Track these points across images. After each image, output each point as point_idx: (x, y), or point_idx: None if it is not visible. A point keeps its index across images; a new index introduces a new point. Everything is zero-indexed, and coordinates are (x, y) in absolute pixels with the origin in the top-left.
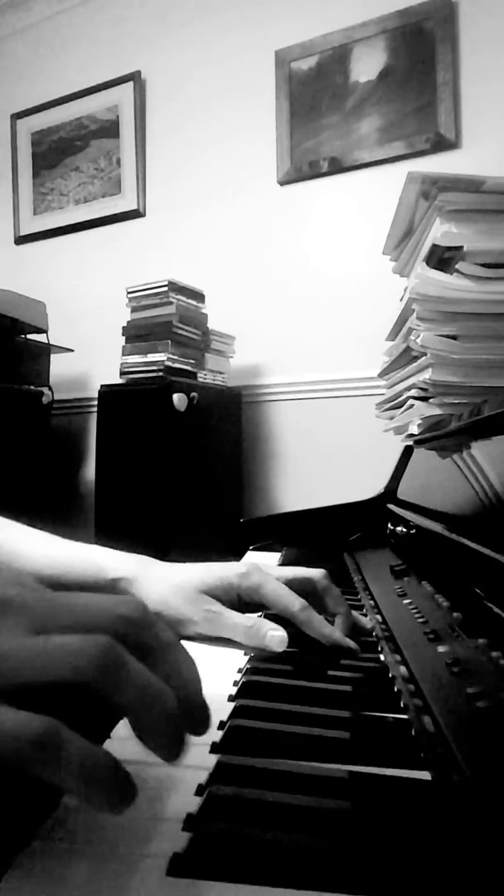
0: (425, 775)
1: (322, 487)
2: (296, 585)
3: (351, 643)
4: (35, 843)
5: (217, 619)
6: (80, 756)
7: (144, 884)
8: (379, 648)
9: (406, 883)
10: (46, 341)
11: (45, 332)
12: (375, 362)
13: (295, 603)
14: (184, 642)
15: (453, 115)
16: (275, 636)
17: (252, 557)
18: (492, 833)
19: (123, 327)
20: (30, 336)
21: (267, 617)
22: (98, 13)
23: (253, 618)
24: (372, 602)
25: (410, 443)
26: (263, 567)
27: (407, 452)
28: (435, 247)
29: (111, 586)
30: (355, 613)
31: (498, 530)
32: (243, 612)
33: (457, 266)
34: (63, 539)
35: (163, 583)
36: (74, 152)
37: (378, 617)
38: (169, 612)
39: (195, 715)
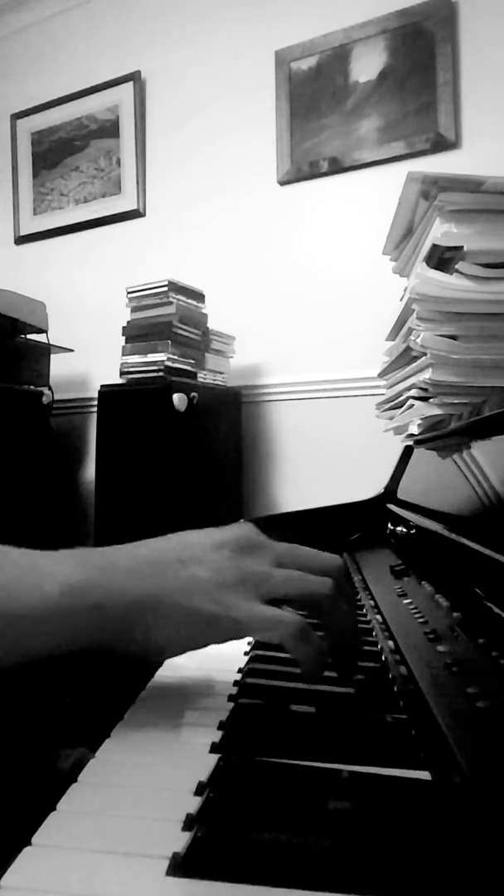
0: (425, 775)
1: (322, 487)
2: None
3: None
4: (35, 841)
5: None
6: (319, 643)
7: (144, 884)
8: (379, 648)
9: (406, 883)
10: (46, 341)
11: (45, 332)
12: (375, 362)
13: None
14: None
15: (453, 116)
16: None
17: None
18: (492, 833)
19: (123, 327)
20: (30, 336)
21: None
22: (98, 13)
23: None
24: (372, 602)
25: (410, 443)
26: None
27: (407, 452)
28: (435, 247)
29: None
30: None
31: (498, 530)
32: None
33: (457, 266)
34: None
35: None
36: (74, 152)
37: (378, 617)
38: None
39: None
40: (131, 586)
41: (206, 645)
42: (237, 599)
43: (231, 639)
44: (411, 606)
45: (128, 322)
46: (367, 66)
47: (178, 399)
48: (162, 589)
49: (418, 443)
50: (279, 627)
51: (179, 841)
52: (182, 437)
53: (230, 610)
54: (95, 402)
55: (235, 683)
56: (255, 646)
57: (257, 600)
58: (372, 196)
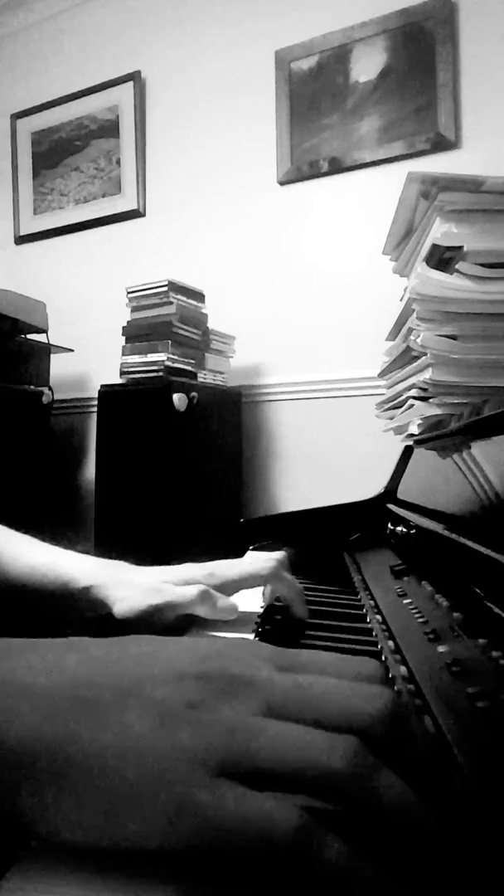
0: None
1: (322, 487)
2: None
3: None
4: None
5: (167, 592)
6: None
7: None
8: (379, 648)
9: (406, 883)
10: (46, 341)
11: (45, 332)
12: (375, 362)
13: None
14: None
15: (453, 115)
16: (224, 605)
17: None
18: (492, 833)
19: (123, 327)
20: (30, 336)
21: (272, 607)
22: (98, 13)
23: (200, 586)
24: (372, 602)
25: (410, 443)
26: (228, 562)
27: (407, 452)
28: (435, 247)
29: (82, 594)
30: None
31: (498, 530)
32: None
33: (457, 266)
34: (41, 544)
35: (131, 586)
36: (74, 152)
37: (378, 617)
38: (130, 609)
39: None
40: (31, 727)
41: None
42: (201, 783)
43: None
44: (411, 606)
45: (128, 322)
46: (367, 66)
47: (178, 399)
48: (77, 741)
49: (418, 443)
50: (258, 838)
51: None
52: (182, 437)
53: (184, 803)
54: (95, 402)
55: None
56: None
57: (231, 783)
58: (372, 196)
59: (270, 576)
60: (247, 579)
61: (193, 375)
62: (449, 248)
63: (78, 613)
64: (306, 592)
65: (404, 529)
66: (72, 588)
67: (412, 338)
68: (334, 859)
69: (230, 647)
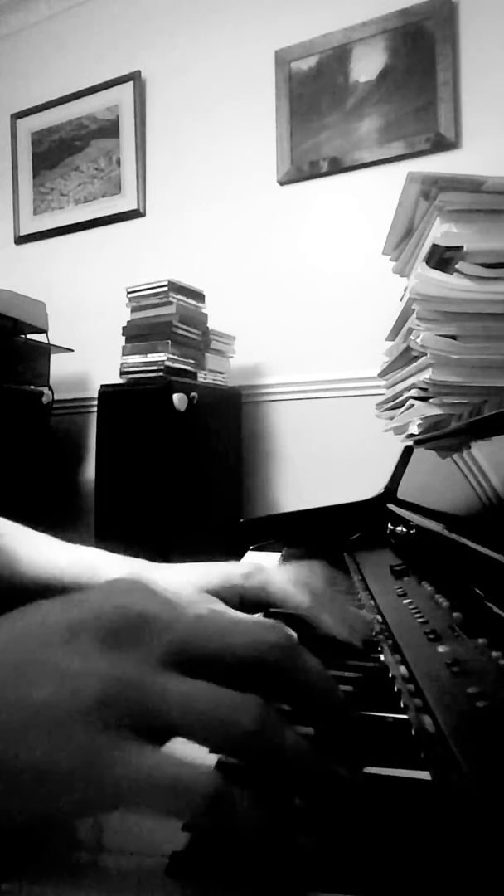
0: (425, 775)
1: (322, 487)
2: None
3: (357, 641)
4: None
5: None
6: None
7: (143, 883)
8: (379, 648)
9: (406, 883)
10: (46, 341)
11: (45, 332)
12: (375, 362)
13: (304, 600)
14: None
15: (453, 115)
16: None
17: (252, 557)
18: (491, 833)
19: (123, 327)
20: (30, 336)
21: (271, 616)
22: (98, 13)
23: (258, 618)
24: (372, 602)
25: (410, 443)
26: (264, 567)
27: (407, 452)
28: (435, 247)
29: None
30: (354, 609)
31: (498, 530)
32: (245, 612)
33: (457, 266)
34: (62, 542)
35: (163, 585)
36: (74, 152)
37: (378, 617)
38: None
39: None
40: None
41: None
42: (102, 740)
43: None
44: (411, 606)
45: (128, 322)
46: (367, 66)
47: (178, 399)
48: None
49: (418, 443)
50: (182, 799)
51: (178, 840)
52: (182, 437)
53: (91, 766)
54: (95, 402)
55: None
56: None
57: (134, 737)
58: (372, 196)
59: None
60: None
61: (193, 375)
62: (449, 248)
63: None
64: None
65: (404, 529)
66: (94, 583)
67: (412, 338)
68: (253, 822)
69: (117, 587)
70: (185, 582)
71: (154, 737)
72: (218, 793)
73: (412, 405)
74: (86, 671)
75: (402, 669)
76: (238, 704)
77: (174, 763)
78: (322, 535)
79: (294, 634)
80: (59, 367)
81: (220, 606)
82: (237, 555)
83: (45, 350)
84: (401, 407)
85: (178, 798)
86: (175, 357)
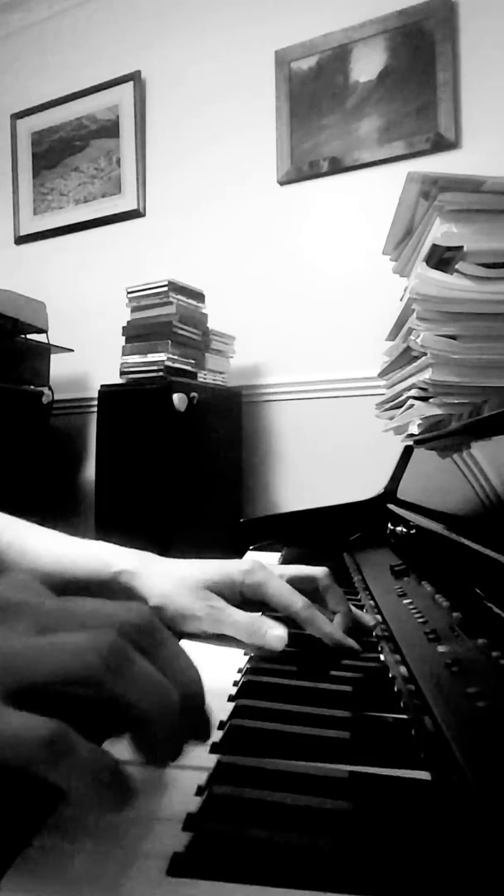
0: (425, 775)
1: (322, 487)
2: (297, 583)
3: (352, 643)
4: (35, 842)
5: (219, 615)
6: (86, 759)
7: (144, 883)
8: (379, 648)
9: (406, 883)
10: (46, 341)
11: (45, 332)
12: (375, 362)
13: (297, 602)
14: (185, 642)
15: (453, 115)
16: (275, 635)
17: (252, 557)
18: (491, 833)
19: (123, 327)
20: (30, 336)
21: (268, 615)
22: (98, 13)
23: (254, 616)
24: (372, 602)
25: (410, 443)
26: (266, 565)
27: (407, 452)
28: (435, 247)
29: (114, 579)
30: (357, 611)
31: (498, 530)
32: (245, 609)
33: (457, 266)
34: (68, 536)
35: (166, 577)
36: (74, 152)
37: (378, 617)
38: (172, 607)
39: (196, 719)
40: None
41: None
42: None
43: None
44: (411, 606)
45: (128, 322)
46: (367, 66)
47: (178, 399)
48: None
49: (418, 443)
50: (17, 748)
51: (179, 841)
52: (182, 437)
53: None
54: (95, 402)
55: (235, 684)
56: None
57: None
58: (372, 196)
59: (324, 577)
60: (294, 579)
61: (193, 375)
62: (449, 248)
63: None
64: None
65: (404, 529)
66: (101, 573)
67: (412, 338)
68: (85, 758)
69: (6, 581)
70: (186, 575)
71: (21, 701)
72: (54, 736)
73: (412, 405)
74: None
75: (402, 669)
76: (86, 643)
77: (14, 721)
78: (322, 535)
79: (152, 613)
80: (59, 367)
81: (220, 603)
82: (237, 555)
83: (45, 350)
84: (401, 407)
85: (15, 754)
86: (175, 357)
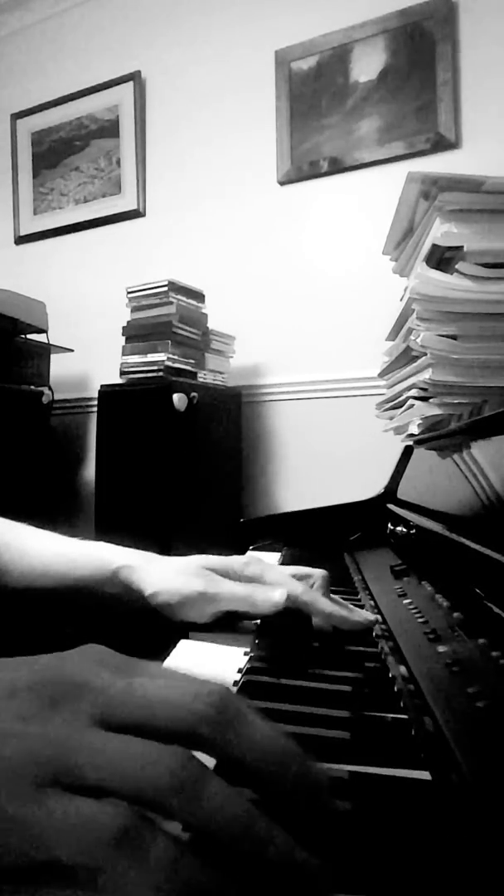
0: (425, 775)
1: (322, 487)
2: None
3: (359, 618)
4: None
5: (217, 586)
6: (160, 858)
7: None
8: (379, 648)
9: (406, 883)
10: (46, 341)
11: (45, 332)
12: (375, 362)
13: (297, 587)
14: (184, 642)
15: (453, 115)
16: (274, 595)
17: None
18: (491, 833)
19: (123, 327)
20: (30, 336)
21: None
22: (98, 13)
23: (252, 585)
24: (372, 602)
25: (410, 443)
26: (263, 560)
27: (407, 452)
28: (435, 247)
29: (114, 576)
30: (356, 609)
31: (498, 530)
32: None
33: (457, 266)
34: (68, 537)
35: (166, 569)
36: (74, 152)
37: (378, 617)
38: (169, 591)
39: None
40: None
41: None
42: (27, 796)
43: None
44: (411, 606)
45: (128, 322)
46: (367, 66)
47: (178, 399)
48: None
49: (418, 443)
50: (85, 841)
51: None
52: (182, 437)
53: (13, 820)
54: (95, 402)
55: (235, 683)
56: (258, 645)
57: (59, 792)
58: (372, 196)
59: (321, 577)
60: (293, 575)
61: (193, 375)
62: (449, 248)
63: (113, 601)
64: None
65: (404, 529)
66: (103, 570)
67: (412, 338)
68: (162, 855)
69: (73, 654)
70: (187, 563)
71: (85, 793)
72: (125, 830)
73: (412, 405)
74: (19, 730)
75: (402, 669)
76: (156, 758)
77: (88, 811)
78: (322, 535)
79: (230, 696)
80: (59, 367)
81: (218, 577)
82: (238, 554)
83: (45, 350)
84: (401, 407)
85: (82, 841)
86: (175, 357)
